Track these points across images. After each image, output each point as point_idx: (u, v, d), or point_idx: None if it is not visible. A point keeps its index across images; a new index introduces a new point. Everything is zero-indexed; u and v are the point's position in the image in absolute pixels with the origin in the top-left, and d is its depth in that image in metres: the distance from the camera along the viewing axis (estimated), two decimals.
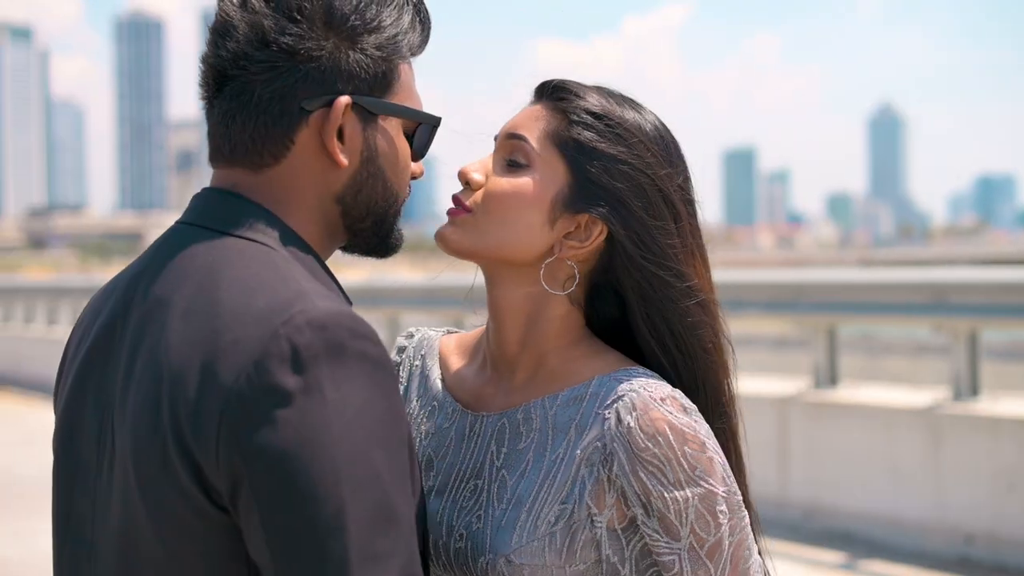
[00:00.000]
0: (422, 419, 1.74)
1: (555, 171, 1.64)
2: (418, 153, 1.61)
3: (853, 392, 7.97)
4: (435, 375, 1.78)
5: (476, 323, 1.85)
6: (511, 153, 1.66)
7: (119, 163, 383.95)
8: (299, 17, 1.48)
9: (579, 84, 1.68)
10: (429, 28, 1.60)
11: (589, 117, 1.64)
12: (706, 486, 1.57)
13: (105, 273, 43.03)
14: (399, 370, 1.82)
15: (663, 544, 1.58)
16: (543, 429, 1.64)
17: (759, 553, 1.67)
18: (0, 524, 8.94)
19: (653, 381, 1.61)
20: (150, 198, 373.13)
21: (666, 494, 1.56)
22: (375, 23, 1.52)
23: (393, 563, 1.33)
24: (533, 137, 1.65)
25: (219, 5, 1.53)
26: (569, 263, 1.66)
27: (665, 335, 1.67)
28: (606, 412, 1.59)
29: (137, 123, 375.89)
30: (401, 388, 1.73)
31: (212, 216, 1.51)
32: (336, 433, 1.32)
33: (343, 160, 1.51)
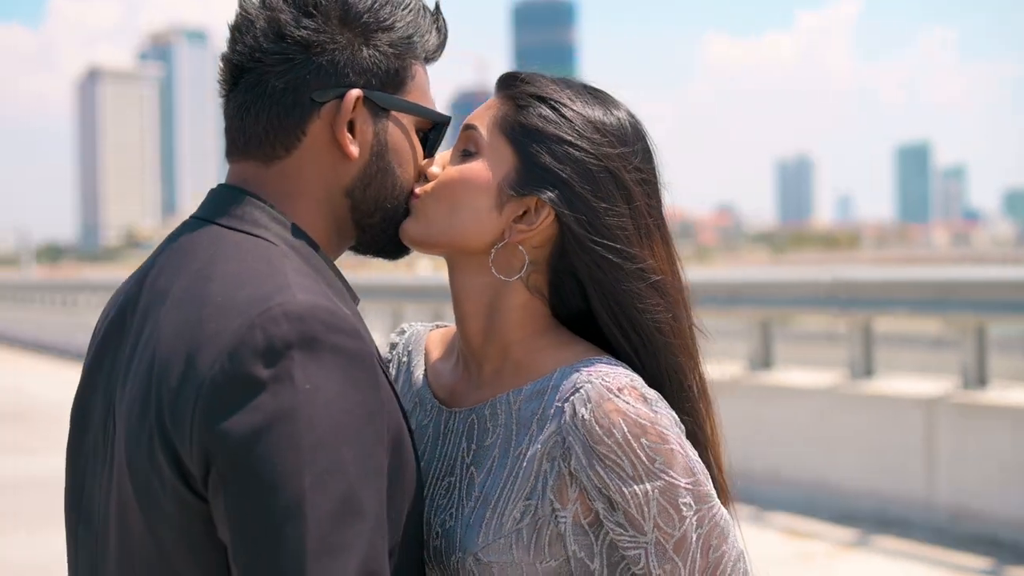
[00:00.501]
0: (408, 415, 1.67)
1: (502, 156, 1.64)
2: (428, 152, 1.65)
3: (1003, 394, 7.74)
4: (419, 371, 1.78)
5: None
6: (465, 144, 1.66)
7: None
8: (314, 12, 1.52)
9: (534, 74, 1.67)
10: (446, 36, 1.65)
11: (535, 101, 1.64)
12: (667, 478, 1.53)
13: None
14: (391, 367, 1.80)
15: (627, 539, 1.56)
16: (508, 424, 1.62)
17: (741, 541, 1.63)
18: None
19: (613, 370, 1.58)
20: None
21: (624, 488, 1.53)
22: (389, 22, 1.57)
23: (351, 556, 1.34)
24: (483, 125, 1.65)
25: (239, 3, 1.57)
26: (520, 248, 1.64)
27: (622, 319, 1.63)
28: (564, 404, 1.56)
29: None
30: (396, 386, 1.64)
31: (220, 211, 1.55)
32: (303, 423, 1.34)
33: (353, 152, 1.55)
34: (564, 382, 1.58)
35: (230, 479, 1.35)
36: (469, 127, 1.66)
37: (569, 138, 1.62)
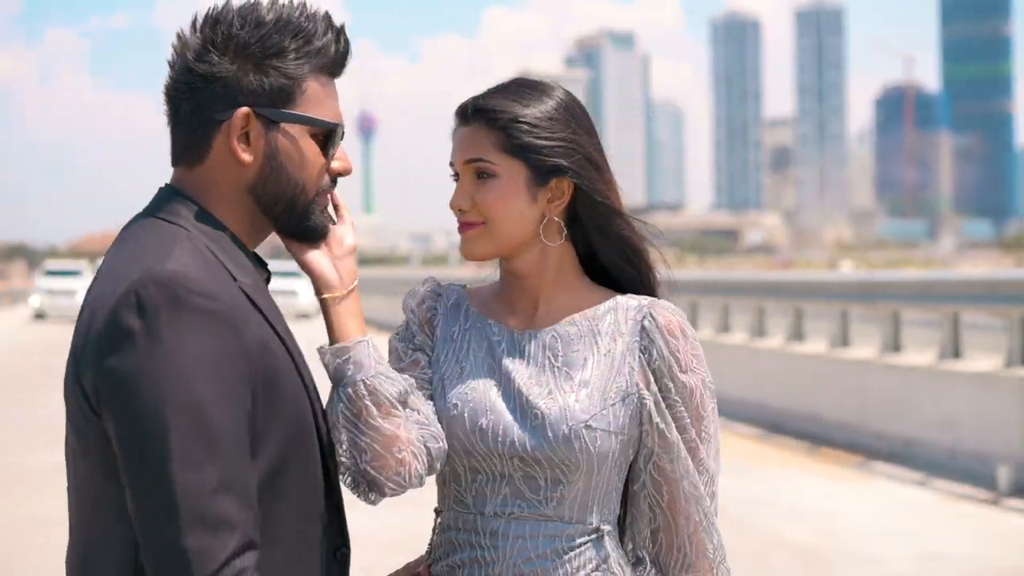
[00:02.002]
0: (469, 341, 2.17)
1: (515, 169, 2.12)
2: (328, 152, 2.02)
3: None
4: (473, 312, 2.21)
5: None
6: (476, 172, 2.13)
7: (715, 163, 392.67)
8: (212, 49, 1.94)
9: (493, 98, 2.14)
10: (345, 51, 2.02)
11: (518, 124, 2.12)
12: (704, 374, 2.14)
13: (702, 270, 43.63)
14: (435, 312, 2.22)
15: (684, 412, 2.11)
16: (591, 333, 2.14)
17: None
18: None
19: (662, 300, 2.19)
20: (745, 197, 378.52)
21: (684, 376, 2.11)
22: (276, 49, 1.95)
23: (209, 470, 1.73)
24: (486, 154, 2.12)
25: (172, 45, 2.00)
26: (556, 219, 2.15)
27: (622, 245, 2.19)
28: (641, 316, 2.13)
29: (733, 123, 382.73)
30: (439, 325, 2.20)
31: (154, 206, 1.98)
32: (167, 366, 1.74)
33: (245, 158, 1.94)
34: (630, 303, 2.15)
35: (112, 408, 1.77)
36: (473, 160, 2.12)
37: (556, 143, 2.13)
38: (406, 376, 2.04)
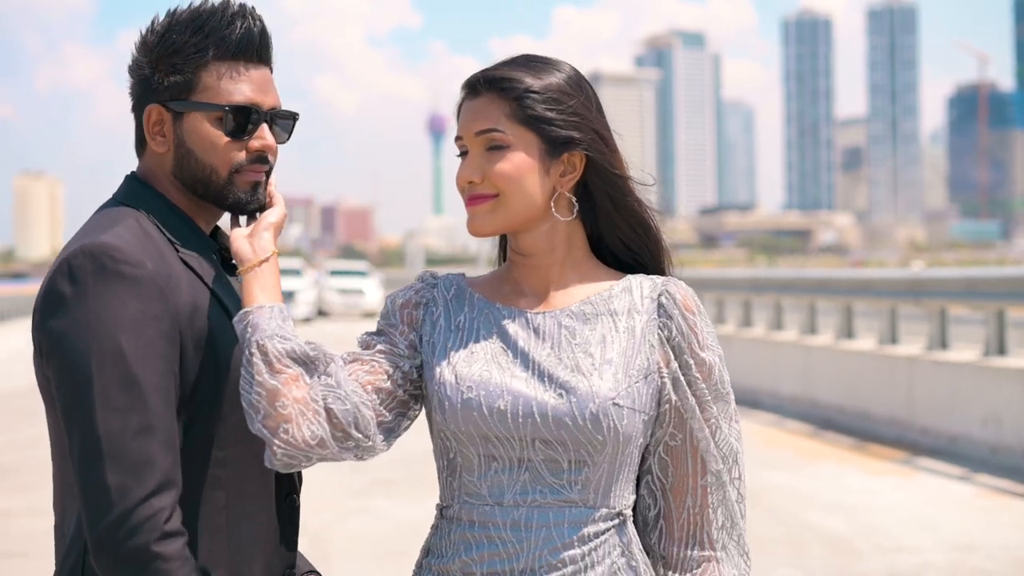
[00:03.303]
0: (478, 327, 2.11)
1: (528, 140, 2.07)
2: (236, 132, 2.19)
3: None
4: (478, 299, 2.15)
5: None
6: (488, 144, 2.07)
7: (786, 162, 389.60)
8: (137, 53, 2.22)
9: (505, 69, 2.10)
10: (248, 35, 2.19)
11: (532, 95, 2.07)
12: (720, 351, 2.12)
13: (770, 271, 43.55)
14: (433, 302, 2.16)
15: (705, 389, 2.08)
16: (608, 312, 2.10)
17: None
18: None
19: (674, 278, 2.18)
20: (816, 196, 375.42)
21: (702, 353, 2.08)
22: (173, 47, 2.17)
23: (132, 415, 1.97)
24: (500, 124, 2.06)
25: None
26: (567, 194, 2.11)
27: (635, 222, 2.16)
28: (658, 295, 2.11)
29: (804, 122, 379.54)
30: (440, 307, 2.14)
31: (119, 192, 2.25)
32: (93, 324, 1.99)
33: (157, 148, 2.21)
34: (645, 282, 2.13)
35: (51, 362, 2.03)
36: (485, 130, 2.07)
37: (568, 116, 2.08)
38: (318, 345, 2.02)
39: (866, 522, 8.50)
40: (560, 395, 2.00)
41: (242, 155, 2.20)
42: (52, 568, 2.17)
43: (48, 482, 2.29)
